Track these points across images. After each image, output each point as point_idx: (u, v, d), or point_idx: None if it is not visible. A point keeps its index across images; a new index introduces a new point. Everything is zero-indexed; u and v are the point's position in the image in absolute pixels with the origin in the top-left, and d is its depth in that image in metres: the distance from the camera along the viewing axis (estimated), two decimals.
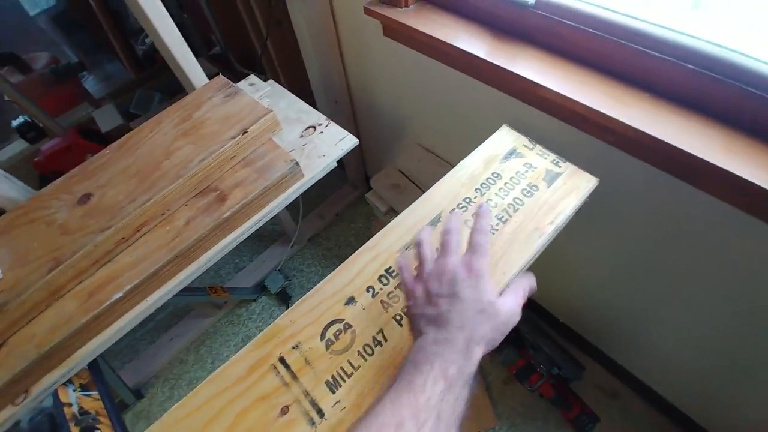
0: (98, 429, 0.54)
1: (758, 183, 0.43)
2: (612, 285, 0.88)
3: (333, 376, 0.42)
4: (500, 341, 0.38)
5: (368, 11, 0.79)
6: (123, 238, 0.57)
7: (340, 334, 0.45)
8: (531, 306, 1.18)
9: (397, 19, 0.74)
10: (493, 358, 1.16)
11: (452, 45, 0.69)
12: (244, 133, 0.63)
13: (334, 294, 0.48)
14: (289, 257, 1.43)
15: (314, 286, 0.48)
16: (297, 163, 0.65)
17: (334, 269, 0.49)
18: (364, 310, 0.46)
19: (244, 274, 1.39)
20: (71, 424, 0.51)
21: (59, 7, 2.11)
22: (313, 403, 0.41)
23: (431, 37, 0.71)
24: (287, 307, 1.33)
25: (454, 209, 0.51)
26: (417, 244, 0.47)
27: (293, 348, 0.44)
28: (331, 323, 0.46)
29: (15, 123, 1.64)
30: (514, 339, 1.07)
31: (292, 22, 1.05)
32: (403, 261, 0.46)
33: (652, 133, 0.51)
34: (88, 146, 1.54)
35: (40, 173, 1.54)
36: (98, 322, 0.54)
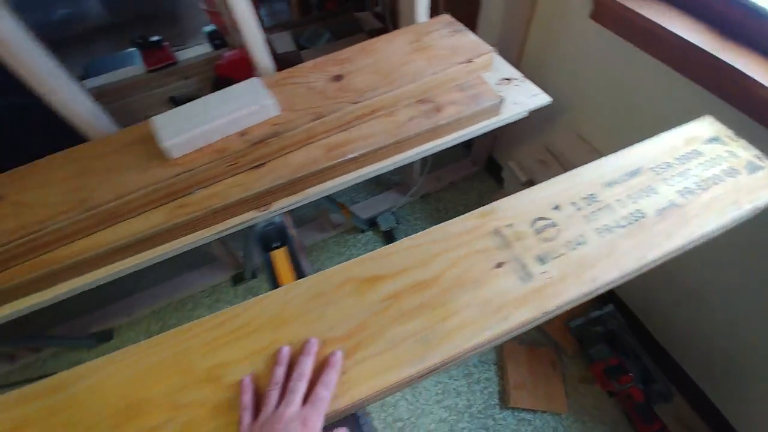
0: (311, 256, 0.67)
1: None
2: (749, 325, 0.87)
3: (541, 254, 0.51)
4: None
5: None
6: (362, 115, 0.70)
7: (546, 227, 0.54)
8: (632, 321, 1.18)
9: (620, 1, 0.80)
10: (576, 352, 1.19)
11: (672, 31, 0.73)
12: (469, 62, 0.74)
13: (541, 199, 0.57)
14: (401, 205, 1.55)
15: None
16: (502, 100, 0.75)
17: None
18: (569, 217, 0.54)
19: (358, 207, 1.54)
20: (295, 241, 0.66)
21: None
22: (524, 267, 0.50)
23: (650, 20, 0.76)
24: None
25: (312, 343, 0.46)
26: (278, 362, 0.45)
27: (507, 226, 0.54)
28: (539, 218, 0.54)
29: (206, 29, 1.93)
30: (609, 338, 1.09)
31: None
32: (247, 384, 0.44)
33: None
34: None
35: (217, 75, 1.80)
36: (329, 173, 0.68)
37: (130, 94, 1.88)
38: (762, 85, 0.64)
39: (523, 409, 1.14)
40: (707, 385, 1.04)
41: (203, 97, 0.66)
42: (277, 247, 0.66)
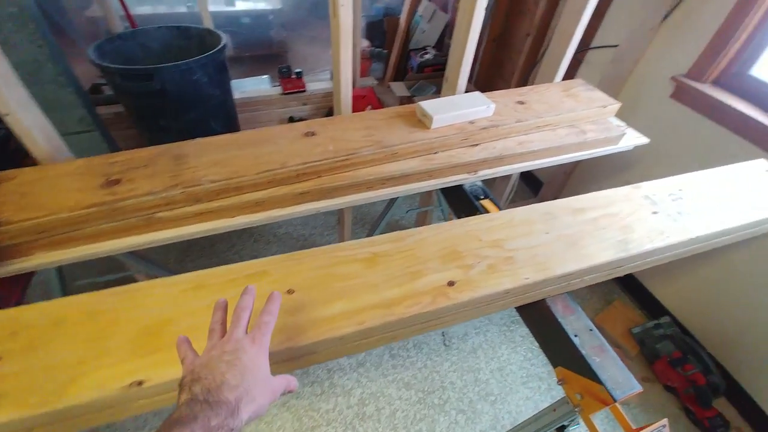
0: None
1: None
2: None
3: (679, 210, 0.83)
4: (266, 410, 0.42)
5: (674, 79, 1.28)
6: (539, 126, 1.06)
7: (677, 199, 0.86)
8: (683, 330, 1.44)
9: (698, 88, 1.21)
10: (638, 355, 1.43)
11: (738, 110, 1.12)
12: (604, 107, 1.12)
13: (668, 184, 0.90)
14: None
15: None
16: (624, 133, 1.11)
17: None
18: (688, 197, 0.88)
19: None
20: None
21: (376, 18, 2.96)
22: (670, 214, 0.82)
23: (723, 103, 1.15)
24: None
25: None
26: (215, 308, 0.49)
27: (653, 194, 0.87)
28: (671, 194, 0.88)
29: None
30: (670, 338, 1.35)
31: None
32: (184, 338, 0.47)
33: None
34: (375, 102, 2.21)
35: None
36: (517, 158, 1.02)
37: (262, 108, 2.31)
38: None
39: None
40: (750, 385, 1.27)
41: (449, 97, 1.03)
42: (483, 198, 0.97)
